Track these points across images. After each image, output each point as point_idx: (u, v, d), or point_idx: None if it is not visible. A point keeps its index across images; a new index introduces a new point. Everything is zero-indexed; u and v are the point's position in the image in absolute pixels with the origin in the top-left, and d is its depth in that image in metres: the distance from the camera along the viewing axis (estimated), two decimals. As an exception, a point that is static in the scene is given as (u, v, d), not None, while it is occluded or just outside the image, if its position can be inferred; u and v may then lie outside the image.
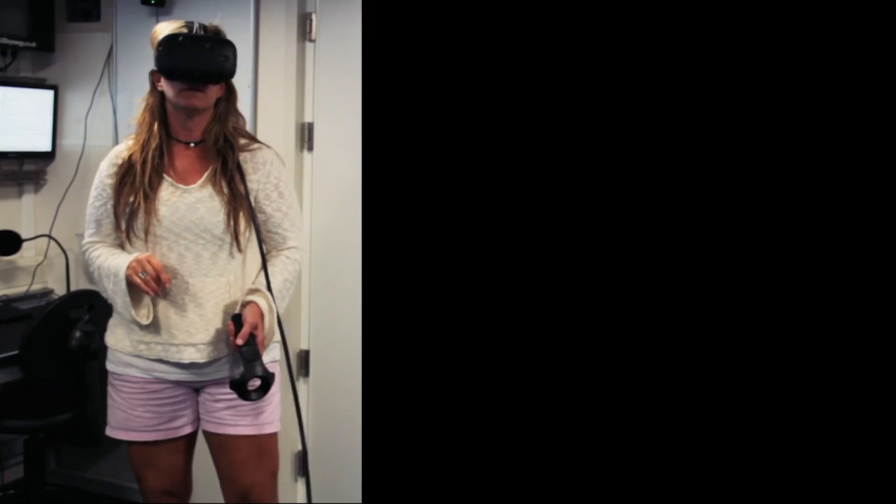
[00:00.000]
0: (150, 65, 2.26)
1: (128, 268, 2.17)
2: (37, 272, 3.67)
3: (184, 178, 2.27)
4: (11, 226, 3.55)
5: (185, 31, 2.19)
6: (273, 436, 2.39)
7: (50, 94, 3.56)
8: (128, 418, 2.33)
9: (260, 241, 2.29)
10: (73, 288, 3.59)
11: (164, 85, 2.23)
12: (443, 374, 1.65)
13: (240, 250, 2.28)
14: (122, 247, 2.32)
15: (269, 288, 2.26)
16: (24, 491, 3.32)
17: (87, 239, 2.35)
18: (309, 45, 3.24)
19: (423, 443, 1.67)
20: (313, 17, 3.22)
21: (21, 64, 3.61)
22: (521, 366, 1.62)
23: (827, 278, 1.38)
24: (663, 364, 1.52)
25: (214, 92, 2.24)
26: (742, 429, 1.47)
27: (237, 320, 2.19)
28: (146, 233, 2.23)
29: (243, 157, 2.30)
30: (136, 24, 3.43)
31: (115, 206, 2.27)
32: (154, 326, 2.26)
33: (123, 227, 2.27)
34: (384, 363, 1.77)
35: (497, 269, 1.56)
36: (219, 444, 2.36)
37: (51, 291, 3.70)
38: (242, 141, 2.34)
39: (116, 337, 2.33)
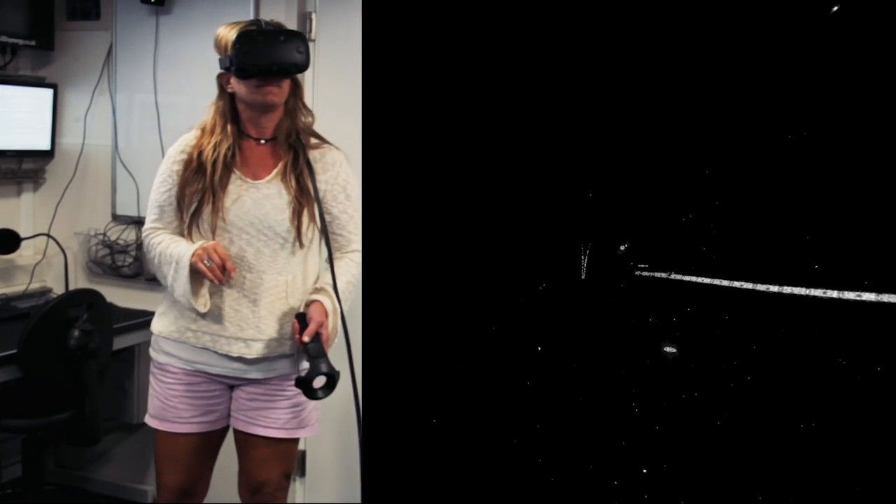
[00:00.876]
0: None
1: (193, 255, 2.19)
2: (35, 271, 3.67)
3: (253, 173, 2.29)
4: (10, 224, 3.55)
5: (253, 28, 2.20)
6: (297, 439, 2.42)
7: (49, 92, 3.56)
8: (164, 408, 2.35)
9: (327, 241, 2.29)
10: (71, 287, 3.58)
11: (235, 85, 2.24)
12: (442, 375, 1.65)
13: (301, 247, 2.30)
14: (183, 235, 2.33)
15: (335, 288, 2.26)
16: (23, 490, 3.31)
17: (148, 224, 2.37)
18: (309, 45, 3.24)
19: (422, 443, 1.66)
20: (313, 16, 3.22)
21: (20, 62, 3.61)
22: (521, 366, 1.62)
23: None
24: (658, 368, 1.51)
25: (287, 86, 2.25)
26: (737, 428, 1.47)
27: (302, 318, 2.19)
28: (213, 222, 2.25)
29: (313, 157, 2.31)
30: (135, 23, 3.43)
31: (180, 198, 2.29)
32: (206, 316, 2.28)
33: (189, 214, 2.28)
34: (384, 363, 1.77)
35: (497, 269, 1.56)
36: (244, 440, 2.39)
37: (49, 290, 3.69)
38: (313, 140, 2.35)
39: (164, 323, 2.36)
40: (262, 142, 2.31)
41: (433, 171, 1.62)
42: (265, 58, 2.16)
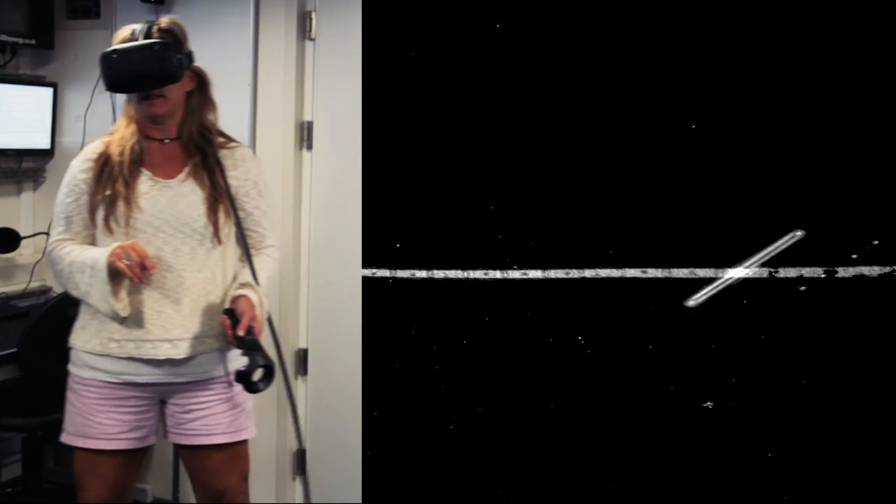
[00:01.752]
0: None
1: (111, 255, 2.13)
2: (35, 270, 3.67)
3: (163, 173, 2.27)
4: (10, 223, 3.54)
5: (111, 49, 2.17)
6: (245, 441, 2.39)
7: (49, 91, 3.56)
8: (87, 425, 2.26)
9: (244, 237, 2.28)
10: (71, 286, 3.58)
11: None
12: (442, 374, 1.65)
13: (220, 243, 2.28)
14: (93, 244, 2.28)
15: (256, 282, 2.26)
16: (22, 489, 3.31)
17: (54, 237, 2.31)
18: (308, 44, 3.24)
19: (422, 443, 1.66)
20: (313, 15, 3.22)
21: (21, 61, 3.61)
22: (521, 366, 1.62)
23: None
24: (654, 379, 1.51)
25: (175, 93, 2.23)
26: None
27: (230, 314, 2.17)
28: (127, 223, 2.21)
29: (223, 154, 2.31)
30: (135, 21, 3.42)
31: (91, 199, 2.25)
32: (128, 322, 2.22)
33: (101, 218, 2.23)
34: (384, 362, 1.77)
35: (497, 270, 1.56)
36: (193, 454, 2.35)
37: (49, 289, 3.69)
38: (220, 139, 2.34)
39: (84, 337, 2.29)
40: (167, 141, 2.29)
41: (434, 171, 1.62)
42: (121, 75, 2.15)
